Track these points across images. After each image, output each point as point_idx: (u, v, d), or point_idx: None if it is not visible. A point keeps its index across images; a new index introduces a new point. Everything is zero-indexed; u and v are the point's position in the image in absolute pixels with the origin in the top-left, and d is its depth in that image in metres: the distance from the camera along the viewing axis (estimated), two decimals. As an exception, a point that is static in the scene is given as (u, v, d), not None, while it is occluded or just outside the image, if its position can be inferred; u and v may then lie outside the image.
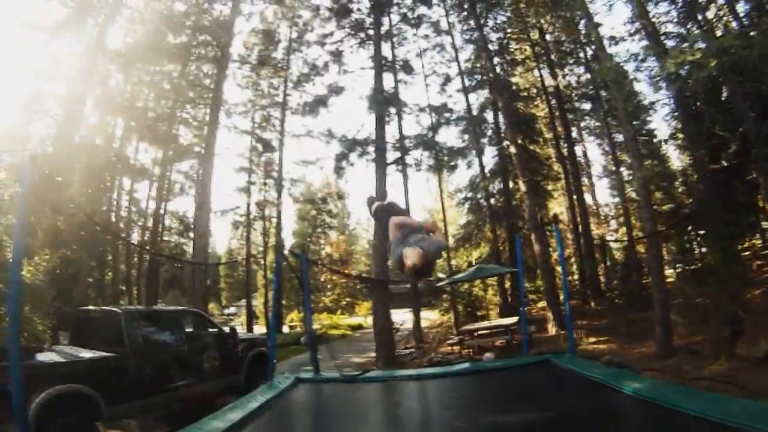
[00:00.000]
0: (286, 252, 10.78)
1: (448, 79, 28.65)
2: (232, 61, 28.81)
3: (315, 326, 32.16)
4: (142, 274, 32.41)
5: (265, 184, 35.72)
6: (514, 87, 29.47)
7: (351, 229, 65.92)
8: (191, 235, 32.81)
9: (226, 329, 11.55)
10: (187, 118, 32.03)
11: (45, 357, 8.43)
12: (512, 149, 24.54)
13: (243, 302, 43.69)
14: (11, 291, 4.25)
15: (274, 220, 36.06)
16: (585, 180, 32.96)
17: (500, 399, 7.03)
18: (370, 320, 40.33)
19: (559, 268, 25.72)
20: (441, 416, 6.06)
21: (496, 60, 28.18)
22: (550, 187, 30.04)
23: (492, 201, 28.79)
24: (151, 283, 30.65)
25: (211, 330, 11.37)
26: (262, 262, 39.51)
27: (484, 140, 29.40)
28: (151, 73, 29.32)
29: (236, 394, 10.14)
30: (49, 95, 24.95)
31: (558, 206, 32.87)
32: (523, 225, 26.49)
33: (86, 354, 8.39)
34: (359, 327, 39.17)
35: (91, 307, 12.99)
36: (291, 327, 38.00)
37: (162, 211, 32.21)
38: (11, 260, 4.17)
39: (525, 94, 30.56)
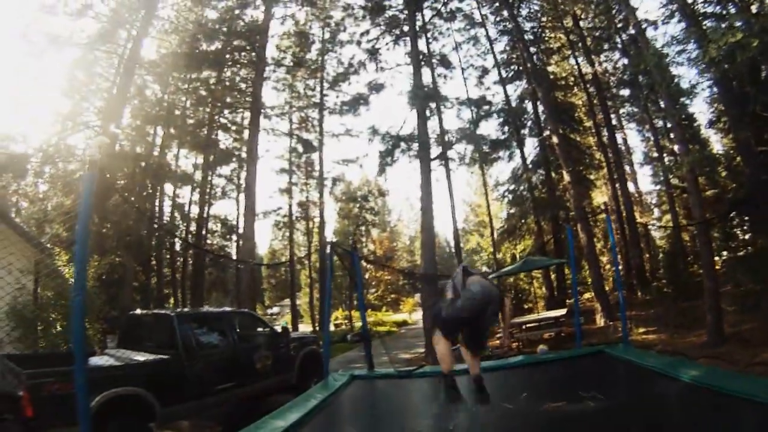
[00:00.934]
0: (328, 249, 10.72)
1: (485, 71, 28.59)
2: (267, 64, 28.90)
3: (359, 324, 32.22)
4: (186, 278, 32.85)
5: (306, 184, 36.08)
6: (551, 76, 29.20)
7: (392, 226, 66.01)
8: (234, 237, 33.33)
9: (278, 329, 11.57)
10: (225, 123, 32.36)
11: (98, 360, 8.50)
12: (554, 139, 24.22)
13: (286, 302, 44.03)
14: (76, 297, 4.23)
15: (317, 220, 36.33)
16: (626, 168, 32.48)
17: (558, 391, 6.88)
18: (414, 316, 40.29)
19: (603, 259, 25.40)
20: (500, 409, 5.94)
21: (531, 50, 27.88)
22: (592, 176, 29.64)
23: (535, 192, 28.52)
24: (196, 286, 31.02)
25: (262, 330, 11.40)
26: (307, 262, 39.65)
27: (524, 131, 29.24)
28: (188, 80, 29.73)
29: (288, 393, 10.18)
30: (88, 108, 25.60)
31: (601, 195, 32.41)
32: (567, 216, 26.17)
33: (140, 357, 8.42)
34: (404, 323, 39.26)
35: (141, 311, 13.13)
36: (336, 325, 38.05)
37: (205, 215, 32.54)
38: (77, 267, 4.13)
39: (563, 82, 30.24)
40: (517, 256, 29.13)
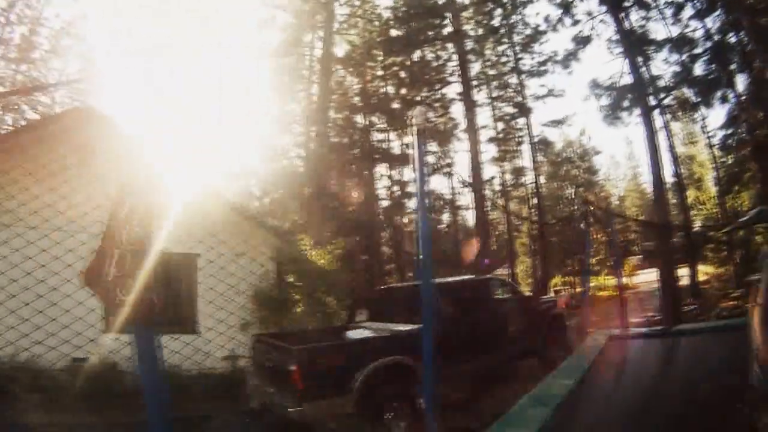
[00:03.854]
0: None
1: (679, 6, 26.58)
2: (465, 36, 29.19)
3: (580, 289, 31.55)
4: (402, 255, 34.02)
5: (515, 150, 35.87)
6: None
7: (601, 186, 63.99)
8: (447, 210, 34.29)
9: (528, 294, 11.66)
10: (428, 101, 32.79)
11: (354, 334, 8.95)
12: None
13: (498, 271, 44.18)
14: (425, 277, 4.41)
15: (529, 186, 36.26)
16: None
17: None
18: (634, 280, 38.83)
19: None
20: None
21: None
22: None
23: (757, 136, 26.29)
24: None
25: (514, 296, 11.52)
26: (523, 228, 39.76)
27: (732, 68, 26.98)
28: (384, 66, 30.67)
29: (534, 356, 10.28)
30: (291, 110, 27.50)
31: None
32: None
33: (404, 327, 8.70)
34: (624, 287, 37.82)
35: (393, 284, 13.61)
36: (555, 291, 37.43)
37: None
38: (422, 249, 4.30)
39: (762, 5, 27.45)
40: (739, 210, 27.23)
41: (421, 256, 4.25)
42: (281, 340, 8.09)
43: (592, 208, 10.82)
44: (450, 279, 11.52)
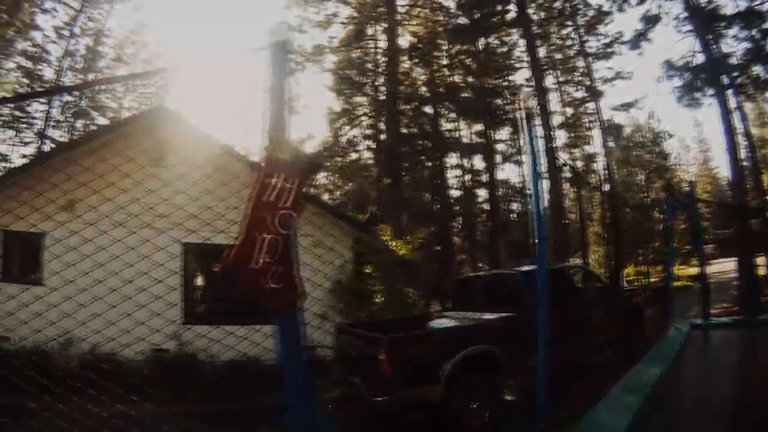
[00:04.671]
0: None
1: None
2: (532, 21, 28.86)
3: (654, 279, 30.91)
4: (474, 244, 33.87)
5: (585, 136, 35.29)
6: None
7: (671, 170, 62.43)
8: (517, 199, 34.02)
9: (608, 283, 11.53)
10: (497, 89, 32.53)
11: (438, 323, 8.95)
12: None
13: (568, 260, 43.78)
14: (539, 261, 4.37)
15: (601, 172, 35.69)
16: None
17: None
18: (707, 269, 37.75)
19: None
20: None
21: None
22: None
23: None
24: (493, 252, 32.01)
25: (598, 284, 11.49)
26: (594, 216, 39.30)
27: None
28: (450, 55, 30.63)
29: (615, 345, 10.32)
30: (361, 103, 28.81)
31: None
32: None
33: (490, 316, 8.70)
34: (697, 277, 36.89)
35: (475, 273, 13.57)
36: (628, 281, 36.76)
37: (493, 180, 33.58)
38: (537, 233, 4.22)
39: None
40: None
41: (536, 240, 4.16)
42: (365, 329, 8.17)
43: (673, 194, 10.63)
44: (531, 267, 11.47)
